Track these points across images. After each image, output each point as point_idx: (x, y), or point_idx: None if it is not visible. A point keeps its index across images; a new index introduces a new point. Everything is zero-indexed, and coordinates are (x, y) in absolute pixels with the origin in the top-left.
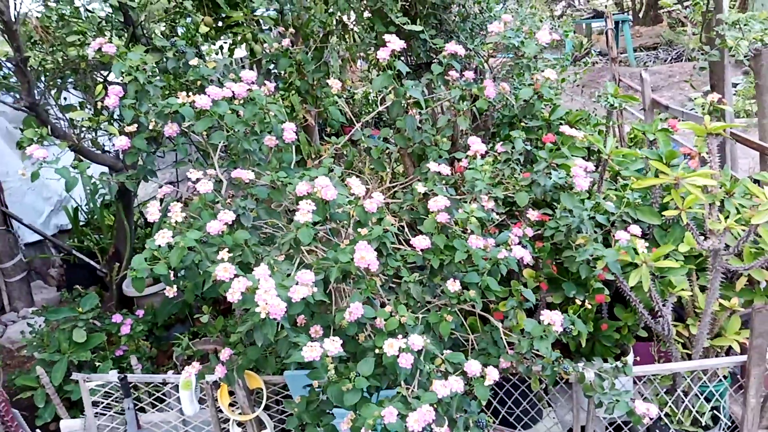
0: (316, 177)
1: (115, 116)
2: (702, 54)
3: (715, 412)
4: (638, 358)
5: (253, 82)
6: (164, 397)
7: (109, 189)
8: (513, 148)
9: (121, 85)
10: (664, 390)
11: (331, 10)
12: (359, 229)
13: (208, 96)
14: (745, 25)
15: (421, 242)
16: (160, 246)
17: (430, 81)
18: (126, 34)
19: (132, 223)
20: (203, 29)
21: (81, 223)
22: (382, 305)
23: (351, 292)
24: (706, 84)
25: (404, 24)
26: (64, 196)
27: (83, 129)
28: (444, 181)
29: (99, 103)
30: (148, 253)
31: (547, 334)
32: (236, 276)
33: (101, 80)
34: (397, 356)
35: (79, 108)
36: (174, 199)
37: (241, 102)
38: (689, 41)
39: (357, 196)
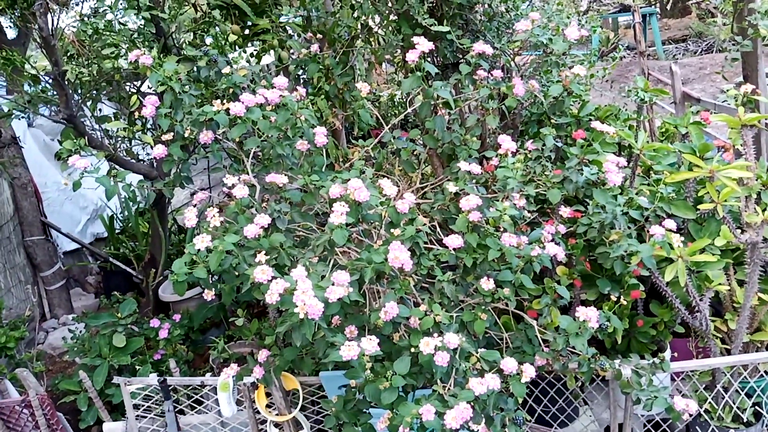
0: (348, 179)
1: (148, 126)
2: (734, 44)
3: (756, 408)
4: (675, 354)
5: (285, 88)
6: (203, 400)
7: (146, 196)
8: (543, 145)
9: (156, 95)
10: (703, 386)
11: (356, 15)
12: (392, 230)
13: (242, 103)
14: None
15: (454, 241)
16: (199, 250)
17: (458, 81)
18: (157, 45)
19: (166, 230)
20: (232, 38)
21: (116, 231)
22: (416, 305)
23: (384, 292)
24: (738, 75)
25: (431, 25)
26: (99, 205)
27: (118, 139)
28: (474, 180)
29: (134, 114)
30: (187, 257)
31: (583, 330)
32: (274, 278)
33: (134, 91)
34: (434, 354)
35: (113, 119)
36: (208, 205)
37: (273, 108)
38: (719, 32)
39: (389, 197)
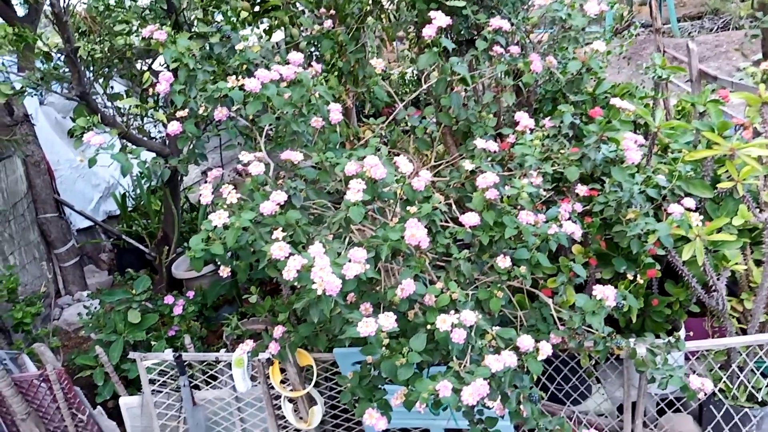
0: (364, 157)
1: (160, 103)
2: (752, 22)
3: None
4: (691, 334)
5: (300, 65)
6: (217, 375)
7: (160, 174)
8: (561, 122)
9: (169, 72)
10: (718, 366)
11: None
12: (408, 207)
13: (258, 79)
14: None
15: (470, 219)
16: (215, 227)
17: (474, 57)
18: (168, 22)
19: (179, 208)
20: (243, 14)
21: (129, 209)
22: (431, 282)
23: (399, 270)
24: (756, 53)
25: (447, 0)
26: (112, 182)
27: (130, 116)
28: (490, 158)
29: (147, 91)
30: (204, 234)
31: (600, 309)
32: (291, 255)
33: (146, 68)
34: (450, 332)
35: (125, 96)
36: (221, 183)
37: (288, 84)
38: (737, 9)
39: (404, 174)
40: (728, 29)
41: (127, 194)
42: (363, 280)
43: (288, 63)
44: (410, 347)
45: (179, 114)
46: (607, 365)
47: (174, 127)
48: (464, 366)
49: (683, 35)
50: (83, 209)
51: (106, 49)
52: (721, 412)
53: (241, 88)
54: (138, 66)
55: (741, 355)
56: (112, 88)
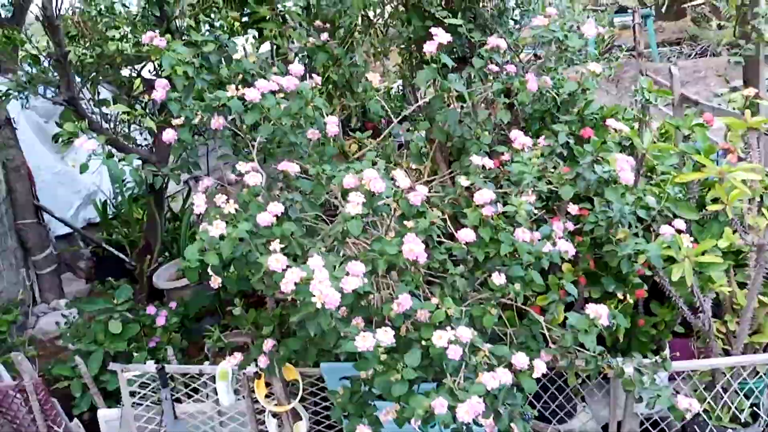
0: (361, 170)
1: (148, 110)
2: (731, 49)
3: (754, 408)
4: (678, 354)
5: (300, 76)
6: (199, 389)
7: (151, 181)
8: (556, 141)
9: (157, 79)
10: (703, 386)
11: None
12: (405, 222)
13: (258, 89)
14: None
15: (466, 235)
16: (212, 237)
17: (469, 75)
18: (160, 29)
19: (163, 217)
20: (235, 24)
21: (109, 217)
22: (425, 298)
23: (392, 285)
24: (735, 79)
25: (445, 18)
26: (92, 189)
27: (118, 123)
28: (484, 175)
29: (134, 97)
30: (199, 243)
31: (592, 328)
32: (288, 267)
33: (135, 74)
34: (446, 348)
35: (112, 102)
36: (214, 192)
37: (285, 95)
38: (715, 36)
39: (402, 188)
40: (706, 55)
41: (108, 202)
42: (361, 293)
43: (288, 74)
44: (405, 363)
45: (175, 122)
46: (594, 384)
47: (169, 134)
48: (458, 383)
49: (662, 60)
50: (63, 216)
51: (96, 54)
52: None
53: (240, 98)
54: (125, 72)
55: (725, 376)
56: (99, 93)
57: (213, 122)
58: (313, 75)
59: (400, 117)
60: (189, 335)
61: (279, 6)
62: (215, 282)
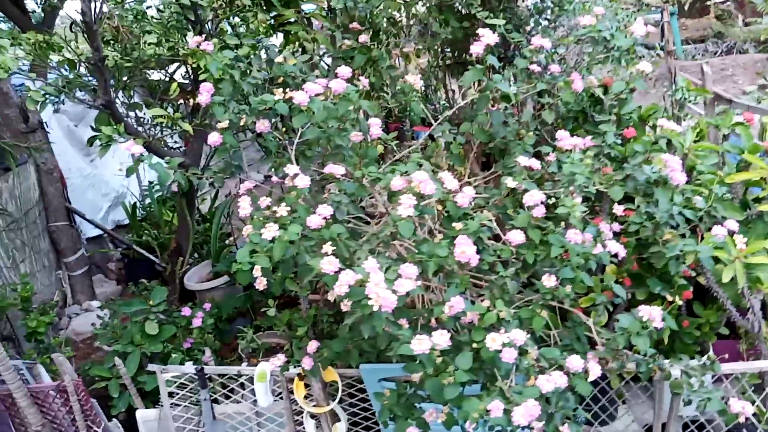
0: (406, 172)
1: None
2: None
3: None
4: (726, 356)
5: (347, 79)
6: (236, 389)
7: (198, 184)
8: (603, 141)
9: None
10: (752, 389)
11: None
12: (454, 224)
13: (306, 92)
14: None
15: (516, 237)
16: (263, 239)
17: (512, 75)
18: (194, 33)
19: (194, 219)
20: (261, 27)
21: (138, 219)
22: (471, 301)
23: (437, 288)
24: (761, 77)
25: (486, 18)
26: (121, 192)
27: (152, 126)
28: (528, 176)
29: (170, 101)
30: (250, 246)
31: (644, 329)
32: (341, 269)
33: (167, 77)
34: (500, 351)
35: (143, 106)
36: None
37: (330, 98)
38: (741, 33)
39: (450, 190)
40: (732, 53)
41: (137, 204)
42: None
43: (336, 76)
44: (456, 366)
45: (220, 125)
46: (637, 387)
47: (214, 138)
48: (510, 386)
49: (686, 58)
50: (93, 218)
51: (133, 58)
52: None
53: (286, 101)
54: (156, 76)
55: None
56: (131, 97)
57: (258, 125)
58: (361, 78)
59: (442, 118)
60: (221, 336)
61: (306, 8)
62: (260, 284)
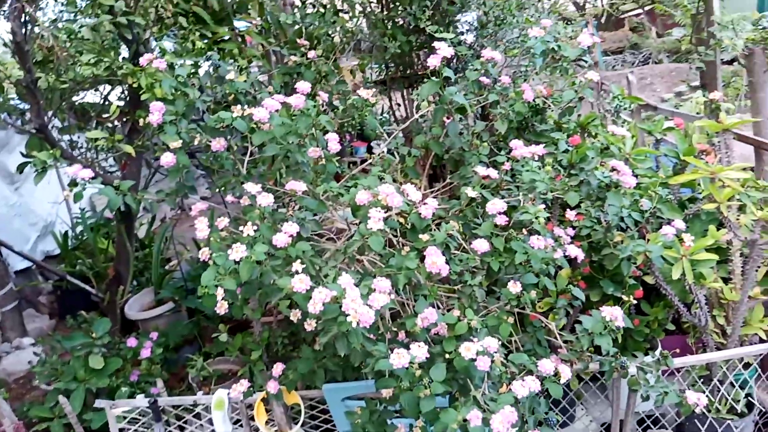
0: (369, 186)
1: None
2: (672, 56)
3: (749, 398)
4: (677, 351)
5: (305, 95)
6: (192, 420)
7: (136, 209)
8: (556, 149)
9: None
10: (701, 380)
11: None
12: (421, 235)
13: (266, 108)
14: (737, 25)
15: (481, 245)
16: (234, 260)
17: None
18: (129, 52)
19: (133, 245)
20: (199, 44)
21: (71, 248)
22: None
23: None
24: (677, 85)
25: (435, 32)
26: (50, 220)
27: (88, 150)
28: (482, 185)
29: (110, 122)
30: (214, 269)
31: (607, 330)
32: (312, 287)
33: (102, 99)
34: (474, 360)
35: (76, 128)
36: (207, 214)
37: (286, 114)
38: (655, 45)
39: (414, 202)
40: (649, 63)
41: (69, 232)
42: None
43: (296, 92)
44: (431, 377)
45: (173, 145)
46: (590, 386)
47: (168, 158)
48: (483, 394)
49: (607, 69)
50: (21, 249)
51: (69, 78)
52: (705, 426)
53: (248, 117)
54: (90, 98)
55: (722, 369)
56: (65, 120)
57: (214, 144)
58: (321, 93)
59: (397, 131)
60: (168, 366)
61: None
62: (221, 308)
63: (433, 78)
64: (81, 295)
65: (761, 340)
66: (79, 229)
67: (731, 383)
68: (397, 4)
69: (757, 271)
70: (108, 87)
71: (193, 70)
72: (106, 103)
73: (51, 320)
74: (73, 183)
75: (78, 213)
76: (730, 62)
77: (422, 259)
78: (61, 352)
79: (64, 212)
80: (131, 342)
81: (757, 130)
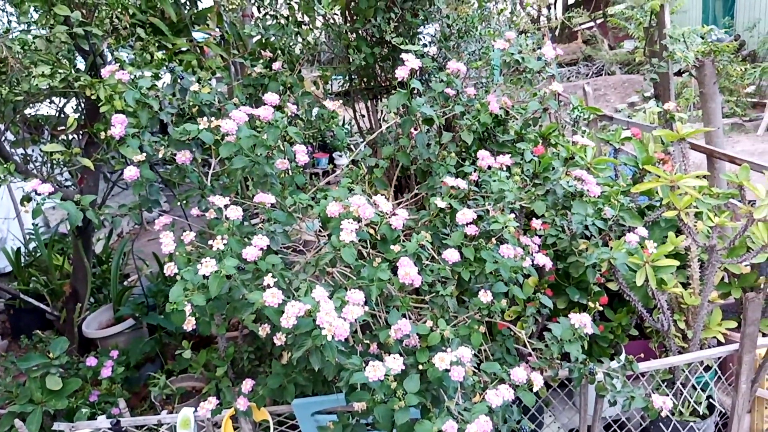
0: (339, 198)
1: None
2: (623, 67)
3: (710, 400)
4: (642, 355)
5: (274, 106)
6: None
7: (98, 224)
8: (522, 159)
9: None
10: (665, 384)
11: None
12: (393, 246)
13: (234, 120)
14: (688, 38)
15: (452, 255)
16: (200, 275)
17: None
18: (86, 63)
19: (91, 261)
20: (158, 55)
21: (23, 265)
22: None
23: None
24: (629, 95)
25: (400, 44)
26: (0, 237)
27: (43, 163)
28: (453, 195)
29: (65, 135)
30: (182, 284)
31: (576, 337)
32: (284, 301)
33: (57, 111)
34: (448, 370)
35: (30, 141)
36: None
37: (253, 127)
38: (607, 56)
39: (385, 213)
40: (602, 74)
41: (21, 249)
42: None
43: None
44: (405, 389)
45: (137, 158)
46: (557, 393)
47: (131, 172)
48: (457, 404)
49: (562, 80)
50: None
51: (23, 91)
52: (670, 428)
53: (214, 129)
54: (44, 111)
55: (684, 372)
56: (18, 133)
57: (179, 157)
58: (290, 104)
59: (365, 143)
60: (129, 385)
61: (198, 38)
62: (189, 324)
63: (401, 90)
64: (35, 314)
65: (719, 343)
66: (32, 245)
67: (693, 386)
68: (361, 15)
69: (714, 275)
70: (63, 99)
71: (153, 83)
72: (62, 115)
73: (3, 341)
74: (27, 198)
75: (30, 228)
76: (680, 73)
77: (394, 270)
78: (15, 373)
79: (15, 228)
80: (91, 361)
81: (708, 139)
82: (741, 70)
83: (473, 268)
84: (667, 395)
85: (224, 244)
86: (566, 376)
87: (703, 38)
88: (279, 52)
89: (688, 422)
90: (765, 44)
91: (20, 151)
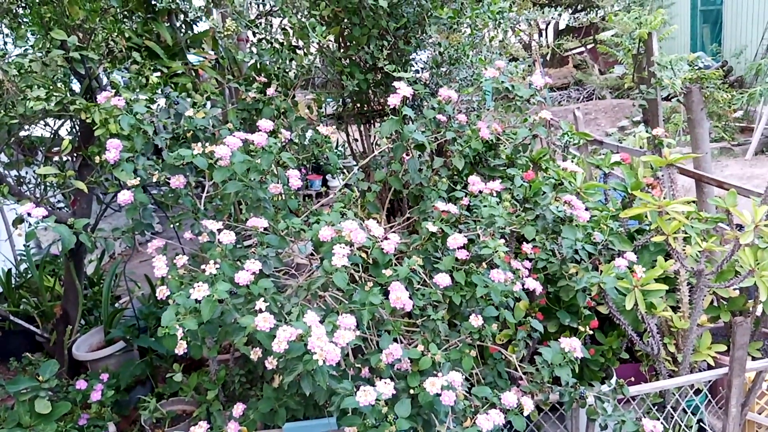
0: (331, 222)
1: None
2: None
3: (701, 424)
4: (632, 379)
5: (269, 132)
6: None
7: (90, 247)
8: (512, 184)
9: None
10: (655, 407)
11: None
12: (384, 270)
13: (228, 146)
14: (675, 65)
15: (443, 280)
16: (189, 300)
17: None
18: (81, 87)
19: (82, 283)
20: (153, 79)
21: (14, 287)
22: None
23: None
24: (619, 120)
25: (392, 71)
26: None
27: (36, 186)
28: (444, 220)
29: (59, 158)
30: (174, 308)
31: (566, 361)
32: (276, 326)
33: (52, 134)
34: (439, 395)
35: (26, 164)
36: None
37: (247, 152)
38: (598, 81)
39: (377, 238)
40: (592, 99)
41: (11, 270)
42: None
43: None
44: (396, 414)
45: (130, 182)
46: (548, 417)
47: (125, 196)
48: (448, 428)
49: (553, 104)
50: None
51: (19, 114)
52: None
53: (209, 155)
54: (38, 133)
55: (674, 396)
56: (12, 155)
57: (173, 181)
58: (283, 131)
59: (359, 166)
60: (119, 408)
61: (193, 61)
62: (181, 348)
63: (393, 116)
64: (24, 336)
65: (710, 366)
66: (23, 266)
67: (684, 409)
68: (355, 42)
69: (703, 299)
70: (58, 121)
71: (149, 107)
72: (56, 137)
73: None
74: (19, 220)
75: (22, 250)
76: (668, 99)
77: (386, 294)
78: (3, 396)
79: (6, 249)
80: (80, 384)
81: (697, 164)
82: (728, 96)
83: (464, 293)
84: (658, 419)
85: (217, 269)
86: (557, 400)
87: (690, 65)
88: (273, 76)
89: None
90: (752, 70)
91: (13, 172)
